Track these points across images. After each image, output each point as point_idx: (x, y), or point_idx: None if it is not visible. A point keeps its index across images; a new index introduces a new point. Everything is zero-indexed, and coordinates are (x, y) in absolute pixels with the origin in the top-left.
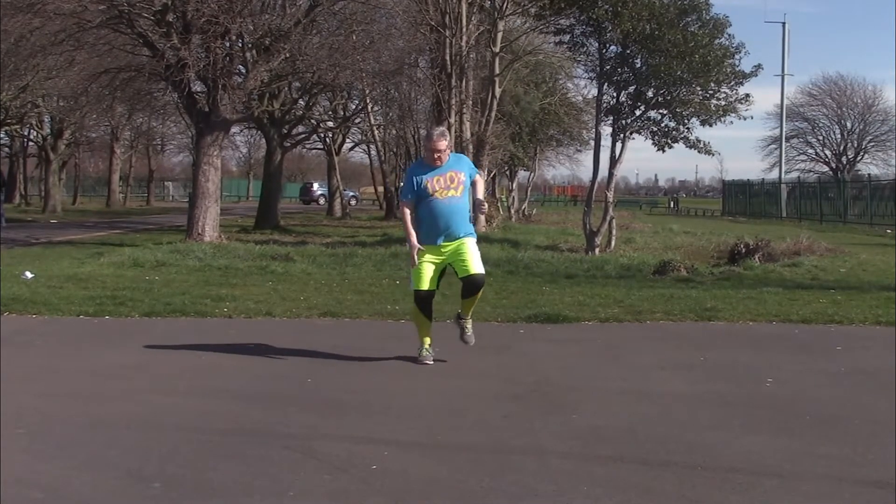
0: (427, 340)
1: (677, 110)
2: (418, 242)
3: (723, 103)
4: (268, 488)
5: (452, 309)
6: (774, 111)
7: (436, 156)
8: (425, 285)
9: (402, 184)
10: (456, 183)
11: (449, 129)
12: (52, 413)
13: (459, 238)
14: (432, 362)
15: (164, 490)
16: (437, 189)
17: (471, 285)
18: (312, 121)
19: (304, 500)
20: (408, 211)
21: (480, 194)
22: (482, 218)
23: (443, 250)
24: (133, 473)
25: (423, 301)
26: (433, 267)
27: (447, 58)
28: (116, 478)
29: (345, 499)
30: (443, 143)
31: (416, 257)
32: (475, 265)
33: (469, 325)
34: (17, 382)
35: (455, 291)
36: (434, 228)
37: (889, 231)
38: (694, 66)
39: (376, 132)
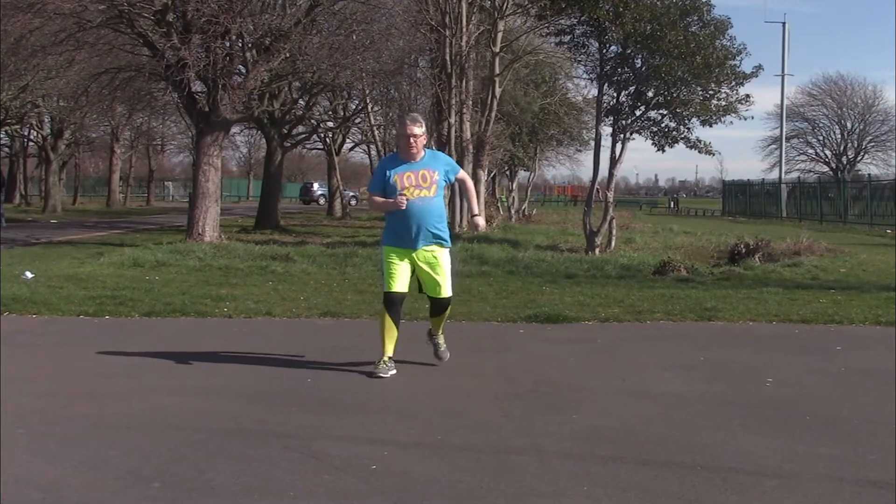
0: (390, 350)
1: (677, 110)
2: (388, 242)
3: (723, 104)
4: (268, 488)
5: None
6: (774, 111)
7: (410, 143)
8: (397, 285)
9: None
10: (428, 182)
11: (449, 129)
12: (52, 413)
13: (435, 244)
14: (388, 376)
15: (164, 490)
16: (407, 186)
17: (437, 307)
18: (312, 121)
19: (304, 500)
20: (376, 197)
21: (474, 205)
22: (481, 220)
23: (416, 255)
24: (133, 473)
25: (393, 304)
26: (406, 268)
27: (447, 58)
28: (116, 478)
29: (345, 499)
30: (417, 129)
31: (400, 202)
32: (445, 288)
33: (441, 340)
34: (17, 382)
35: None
36: (405, 231)
37: (889, 231)
38: (695, 67)
39: (376, 132)
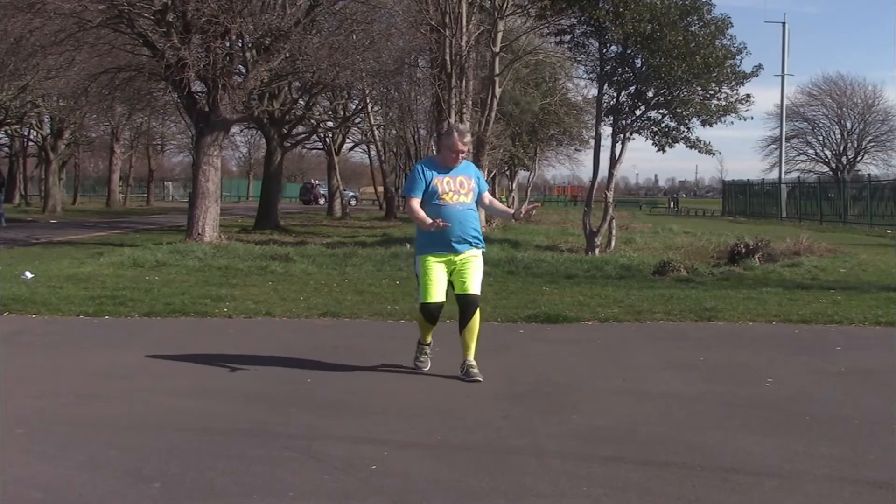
0: (428, 339)
1: (678, 110)
2: (426, 251)
3: (723, 103)
4: (268, 488)
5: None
6: (774, 111)
7: (460, 158)
8: (435, 296)
9: (406, 180)
10: (466, 189)
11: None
12: (52, 413)
13: (472, 249)
14: (428, 368)
15: (164, 490)
16: (447, 192)
17: (465, 305)
18: (312, 121)
19: (304, 500)
20: (416, 203)
21: (507, 208)
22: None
23: (453, 258)
24: (133, 473)
25: (431, 315)
26: (444, 277)
27: (447, 58)
28: (116, 478)
29: (345, 499)
30: (468, 145)
31: (438, 224)
32: (474, 285)
33: (472, 361)
34: (17, 382)
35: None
36: (444, 236)
37: (889, 231)
38: (695, 67)
39: (376, 132)
